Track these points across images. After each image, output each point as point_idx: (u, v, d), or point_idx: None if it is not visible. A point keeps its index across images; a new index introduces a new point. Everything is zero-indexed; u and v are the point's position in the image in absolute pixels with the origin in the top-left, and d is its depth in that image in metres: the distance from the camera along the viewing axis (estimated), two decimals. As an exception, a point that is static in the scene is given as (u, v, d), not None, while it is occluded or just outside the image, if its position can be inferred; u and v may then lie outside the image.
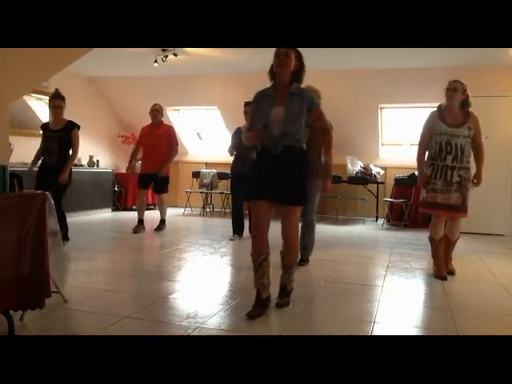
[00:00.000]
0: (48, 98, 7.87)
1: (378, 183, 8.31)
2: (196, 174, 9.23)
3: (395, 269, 4.56)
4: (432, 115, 4.30)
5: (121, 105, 9.59)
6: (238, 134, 6.44)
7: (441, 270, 4.24)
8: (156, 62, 7.07)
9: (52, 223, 2.85)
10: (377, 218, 8.41)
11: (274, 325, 2.93)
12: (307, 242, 4.65)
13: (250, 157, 4.15)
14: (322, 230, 7.38)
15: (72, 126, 5.28)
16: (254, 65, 7.53)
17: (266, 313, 3.10)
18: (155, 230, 6.70)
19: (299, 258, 4.39)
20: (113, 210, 8.85)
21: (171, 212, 8.28)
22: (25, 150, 7.35)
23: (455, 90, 4.11)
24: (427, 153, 4.27)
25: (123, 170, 9.58)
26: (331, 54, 6.60)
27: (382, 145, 8.82)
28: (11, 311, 2.56)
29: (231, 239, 6.04)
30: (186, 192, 9.16)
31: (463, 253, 5.63)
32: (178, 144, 6.65)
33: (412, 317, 3.19)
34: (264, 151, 3.14)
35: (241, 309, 3.24)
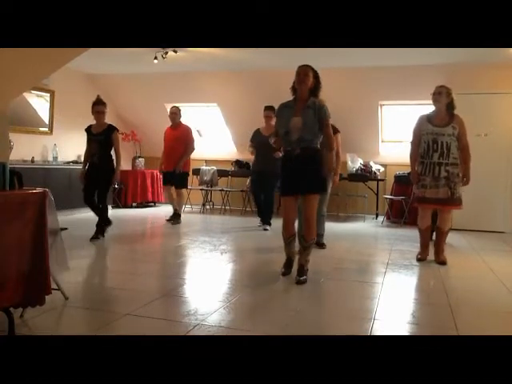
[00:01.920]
0: (49, 95, 7.95)
1: (378, 180, 8.31)
2: (196, 172, 9.23)
3: (395, 266, 4.57)
4: (421, 117, 4.71)
5: (121, 102, 9.57)
6: (256, 135, 6.56)
7: (423, 254, 4.81)
8: (156, 58, 7.06)
9: (52, 220, 2.85)
10: (377, 215, 8.41)
11: (275, 322, 2.93)
12: (322, 229, 5.37)
13: (270, 156, 5.09)
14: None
15: (112, 129, 5.67)
16: (254, 62, 7.54)
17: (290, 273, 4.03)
18: (167, 220, 7.27)
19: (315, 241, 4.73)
20: (113, 207, 8.85)
21: (171, 210, 8.28)
22: (25, 147, 7.36)
23: (440, 94, 4.53)
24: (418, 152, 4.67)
25: (124, 167, 9.57)
26: (332, 51, 6.60)
27: (382, 142, 8.81)
28: (11, 308, 2.56)
29: (265, 229, 6.63)
30: (186, 189, 9.16)
31: (464, 250, 5.64)
32: (193, 141, 7.27)
33: (412, 314, 3.19)
34: (287, 154, 3.92)
35: (241, 306, 3.24)
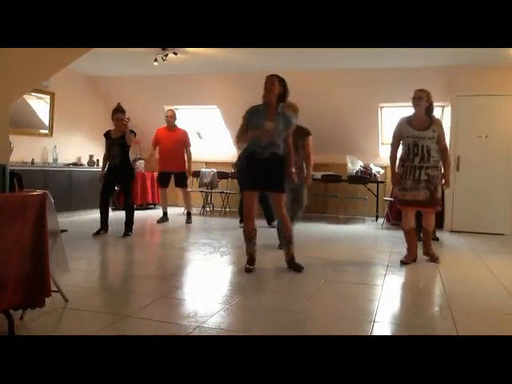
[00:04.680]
0: (49, 97, 7.95)
1: (378, 182, 8.30)
2: (196, 174, 9.22)
3: (395, 268, 4.56)
4: (401, 121, 4.78)
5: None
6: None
7: (408, 257, 4.80)
8: (156, 60, 7.06)
9: (52, 222, 2.84)
10: (377, 218, 8.41)
11: (275, 323, 2.93)
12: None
13: None
14: (323, 229, 7.39)
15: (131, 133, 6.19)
16: (253, 64, 7.54)
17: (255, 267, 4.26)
18: (186, 223, 7.59)
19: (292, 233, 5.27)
20: (113, 210, 8.84)
21: (172, 211, 8.28)
22: (25, 149, 7.36)
23: (420, 99, 4.61)
24: (399, 155, 4.78)
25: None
26: (332, 53, 6.59)
27: (382, 144, 8.80)
28: (11, 310, 2.56)
29: (273, 227, 6.55)
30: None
31: (464, 252, 5.64)
32: (190, 145, 7.72)
33: (412, 316, 3.19)
34: (254, 156, 4.13)
35: (241, 308, 3.24)
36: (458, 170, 7.26)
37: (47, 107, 8.03)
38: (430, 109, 4.64)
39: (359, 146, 8.63)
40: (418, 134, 4.57)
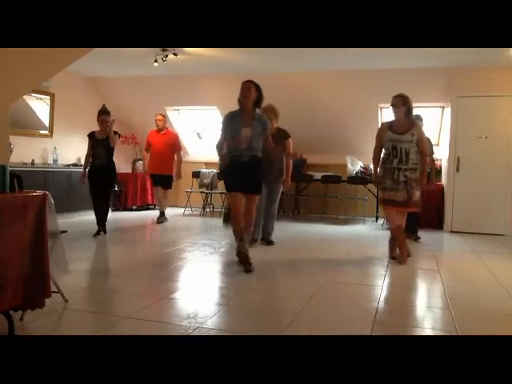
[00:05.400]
0: (49, 97, 7.95)
1: (378, 183, 8.29)
2: (196, 174, 9.22)
3: (395, 269, 4.56)
4: (382, 126, 5.02)
5: (121, 105, 9.57)
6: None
7: (403, 257, 4.88)
8: (156, 61, 7.06)
9: (52, 223, 2.84)
10: (377, 218, 8.41)
11: (274, 325, 2.93)
12: (271, 228, 5.77)
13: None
14: (323, 229, 7.39)
15: (115, 135, 6.25)
16: (253, 65, 7.54)
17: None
18: (157, 222, 7.65)
19: (261, 237, 5.71)
20: (113, 210, 8.84)
21: (172, 212, 8.28)
22: (25, 150, 7.36)
23: (396, 106, 4.80)
24: (381, 157, 4.97)
25: (123, 170, 9.58)
26: (331, 54, 6.60)
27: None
28: (11, 311, 2.56)
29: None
30: (186, 192, 9.16)
31: (464, 253, 5.63)
32: (181, 149, 7.98)
33: (412, 317, 3.19)
34: (234, 160, 4.32)
35: (241, 309, 3.24)
36: (457, 170, 7.26)
37: (47, 108, 8.03)
38: (408, 113, 4.80)
39: (359, 146, 8.63)
40: (396, 138, 4.76)
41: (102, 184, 6.17)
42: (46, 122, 8.05)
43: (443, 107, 8.11)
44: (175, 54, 6.80)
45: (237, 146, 4.31)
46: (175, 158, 7.78)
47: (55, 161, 7.91)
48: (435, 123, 8.43)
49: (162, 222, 7.64)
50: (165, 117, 7.99)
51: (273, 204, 5.69)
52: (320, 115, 8.38)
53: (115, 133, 6.23)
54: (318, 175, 8.59)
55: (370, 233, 7.24)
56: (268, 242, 5.73)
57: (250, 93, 4.31)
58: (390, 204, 4.88)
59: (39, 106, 7.90)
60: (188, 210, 9.20)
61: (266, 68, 7.70)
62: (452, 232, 7.27)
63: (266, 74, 8.10)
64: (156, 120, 7.82)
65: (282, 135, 5.48)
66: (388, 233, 7.07)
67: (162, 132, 7.81)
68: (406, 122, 4.79)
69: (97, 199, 6.17)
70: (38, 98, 7.82)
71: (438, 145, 8.45)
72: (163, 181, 7.77)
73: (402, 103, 4.78)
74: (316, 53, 6.48)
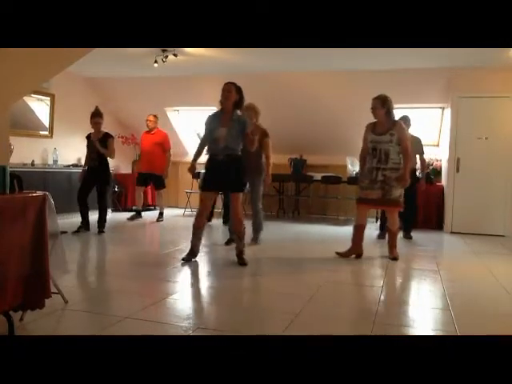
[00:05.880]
0: (49, 98, 7.95)
1: (378, 184, 8.29)
2: (196, 175, 9.21)
3: (395, 269, 4.56)
4: (367, 127, 5.08)
5: (121, 106, 9.58)
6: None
7: (347, 251, 5.04)
8: (156, 62, 7.07)
9: (52, 224, 2.84)
10: (377, 219, 8.38)
11: (274, 325, 2.92)
12: (258, 225, 5.76)
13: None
14: (323, 230, 7.38)
15: (107, 137, 6.44)
16: (253, 65, 7.54)
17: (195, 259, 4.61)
18: (156, 221, 7.85)
19: (252, 237, 5.65)
20: (113, 211, 8.84)
21: (172, 212, 8.27)
22: (25, 151, 7.36)
23: (374, 108, 4.90)
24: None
25: (123, 171, 9.58)
26: (332, 55, 6.59)
27: (382, 145, 8.80)
28: (11, 312, 2.56)
29: None
30: (186, 193, 9.15)
31: (464, 253, 5.63)
32: (170, 148, 8.01)
33: (412, 317, 3.19)
34: (212, 159, 4.51)
35: (241, 309, 3.24)
36: (457, 171, 7.26)
37: (47, 109, 8.03)
38: (388, 113, 4.88)
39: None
40: (376, 139, 4.88)
41: (95, 184, 6.34)
42: (46, 123, 8.05)
43: (443, 108, 8.11)
44: (175, 55, 6.80)
45: (215, 145, 4.47)
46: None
47: (55, 161, 7.91)
48: (435, 124, 8.43)
49: (132, 219, 7.77)
50: (156, 117, 8.05)
51: (254, 201, 5.70)
52: (320, 115, 8.37)
53: (109, 135, 6.42)
54: (318, 176, 8.59)
55: (369, 233, 7.21)
56: (255, 239, 5.73)
57: (231, 94, 4.45)
58: (362, 202, 5.02)
59: (39, 107, 7.90)
60: (188, 211, 9.19)
61: (266, 68, 7.70)
62: (452, 233, 7.27)
63: (266, 74, 8.12)
64: (146, 120, 7.94)
65: (261, 134, 5.49)
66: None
67: (152, 132, 7.92)
68: (387, 123, 4.88)
69: (80, 199, 6.29)
70: (38, 99, 7.82)
71: (438, 145, 8.46)
72: (154, 181, 7.92)
73: (380, 104, 4.86)
74: (316, 53, 6.48)
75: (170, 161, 7.99)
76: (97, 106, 6.66)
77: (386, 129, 4.86)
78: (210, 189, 4.59)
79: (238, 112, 4.55)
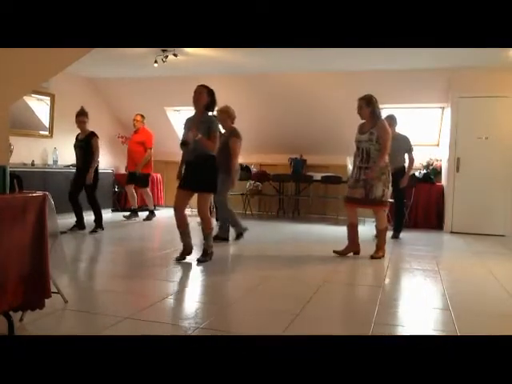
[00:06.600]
0: (49, 98, 7.95)
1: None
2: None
3: (395, 269, 4.56)
4: (358, 127, 5.18)
5: (121, 106, 9.58)
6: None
7: (344, 249, 5.10)
8: (156, 62, 7.07)
9: (52, 224, 2.84)
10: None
11: (274, 325, 2.92)
12: (222, 219, 5.91)
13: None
14: (323, 230, 7.38)
15: (91, 136, 6.43)
16: (254, 65, 7.55)
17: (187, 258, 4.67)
18: (144, 220, 7.86)
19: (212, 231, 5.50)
20: (113, 211, 8.84)
21: (171, 213, 8.24)
22: (25, 151, 7.36)
23: (359, 108, 5.02)
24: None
25: (123, 171, 9.57)
26: (332, 55, 6.60)
27: (382, 145, 8.80)
28: (11, 312, 2.55)
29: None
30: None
31: (464, 253, 5.63)
32: (150, 147, 7.95)
33: (412, 317, 3.19)
34: (186, 158, 4.65)
35: (241, 310, 3.24)
36: (457, 171, 7.27)
37: (47, 109, 8.03)
38: (372, 112, 4.96)
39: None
40: (359, 138, 5.01)
41: (79, 185, 6.40)
42: (46, 123, 8.05)
43: (443, 108, 8.11)
44: (175, 55, 6.81)
45: (186, 147, 4.57)
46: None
47: (55, 161, 7.91)
48: (435, 124, 8.43)
49: (129, 218, 7.83)
50: (143, 116, 8.05)
51: (218, 194, 5.48)
52: (320, 116, 8.38)
53: (93, 134, 6.42)
54: (318, 176, 8.59)
55: (369, 233, 7.22)
56: (220, 238, 5.75)
57: (201, 96, 4.54)
58: (348, 201, 5.10)
59: (39, 107, 7.90)
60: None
61: (266, 68, 7.70)
62: (452, 232, 7.27)
63: (266, 75, 8.12)
64: (133, 120, 8.03)
65: (229, 134, 5.65)
66: (388, 233, 7.07)
67: (138, 131, 8.00)
68: (370, 122, 4.95)
69: (70, 198, 6.36)
70: (38, 99, 7.83)
71: (438, 145, 8.45)
72: (135, 179, 7.88)
73: (365, 104, 4.96)
74: (316, 54, 6.48)
75: (146, 159, 7.89)
76: (82, 106, 6.67)
77: (367, 128, 4.94)
78: (181, 187, 4.66)
79: (209, 113, 4.64)
